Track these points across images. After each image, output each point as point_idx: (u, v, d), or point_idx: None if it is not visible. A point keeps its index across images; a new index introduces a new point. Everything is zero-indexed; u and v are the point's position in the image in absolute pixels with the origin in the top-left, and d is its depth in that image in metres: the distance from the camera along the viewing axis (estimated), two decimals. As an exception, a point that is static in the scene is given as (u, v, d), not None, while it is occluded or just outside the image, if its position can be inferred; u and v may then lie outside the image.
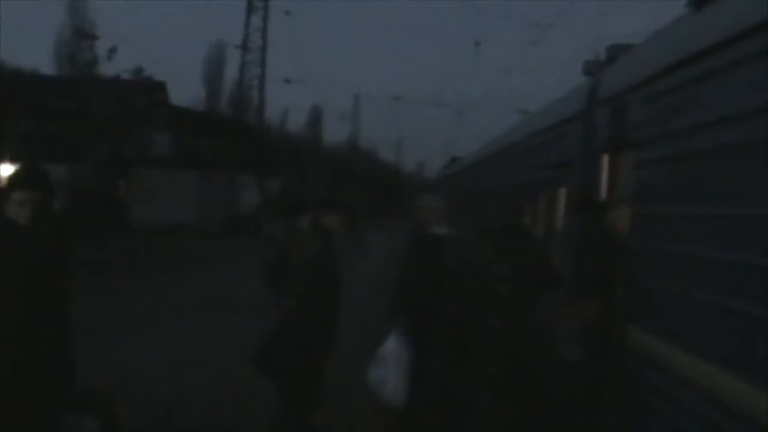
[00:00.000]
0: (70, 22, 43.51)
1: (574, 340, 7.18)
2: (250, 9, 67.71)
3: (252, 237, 36.90)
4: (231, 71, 77.07)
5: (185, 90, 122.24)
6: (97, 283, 18.64)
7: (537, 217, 10.41)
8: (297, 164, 57.31)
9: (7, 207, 5.24)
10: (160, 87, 42.95)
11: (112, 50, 33.97)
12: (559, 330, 7.37)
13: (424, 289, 7.36)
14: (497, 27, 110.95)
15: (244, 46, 67.31)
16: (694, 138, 5.13)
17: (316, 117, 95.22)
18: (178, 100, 50.79)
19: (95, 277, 19.36)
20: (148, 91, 38.28)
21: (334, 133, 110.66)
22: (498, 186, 13.37)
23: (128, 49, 42.98)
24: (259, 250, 7.48)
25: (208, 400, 9.10)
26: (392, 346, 7.29)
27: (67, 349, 5.39)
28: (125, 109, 33.46)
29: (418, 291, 7.51)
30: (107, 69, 35.15)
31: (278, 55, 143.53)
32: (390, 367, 7.25)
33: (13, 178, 5.41)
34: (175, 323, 14.33)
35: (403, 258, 8.05)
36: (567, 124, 9.04)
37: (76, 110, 32.05)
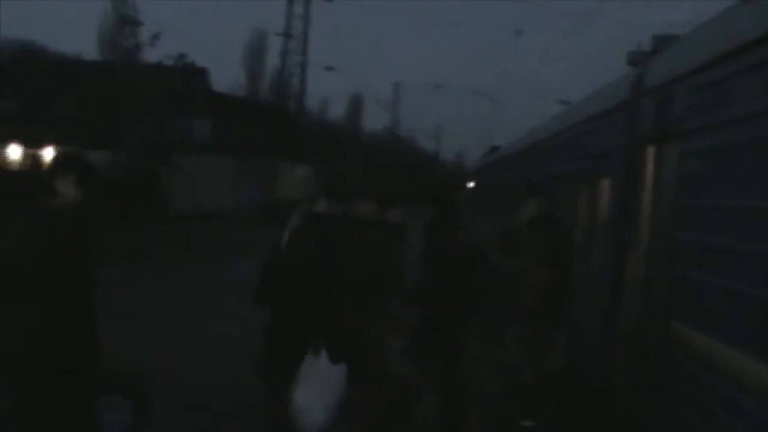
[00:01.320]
0: (114, 9, 43.81)
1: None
2: (292, -4, 67.71)
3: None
4: (272, 58, 77.37)
5: (226, 76, 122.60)
6: (135, 269, 18.75)
7: (577, 207, 10.29)
8: (336, 152, 57.29)
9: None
10: (201, 73, 43.07)
11: (155, 36, 34.12)
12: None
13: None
14: (537, 16, 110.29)
15: (286, 34, 67.25)
16: (741, 129, 5.01)
17: (356, 105, 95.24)
18: (220, 87, 51.01)
19: (133, 263, 19.47)
20: (189, 77, 38.39)
21: (373, 121, 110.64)
22: (538, 177, 13.24)
23: (171, 36, 43.35)
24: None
25: (239, 384, 9.08)
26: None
27: (94, 333, 5.38)
28: (167, 95, 33.57)
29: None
30: (150, 55, 35.32)
31: (319, 43, 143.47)
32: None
33: (50, 164, 5.56)
34: (210, 309, 14.38)
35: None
36: (610, 114, 8.89)
37: (117, 96, 32.24)
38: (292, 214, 6.95)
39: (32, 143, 32.39)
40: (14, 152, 33.00)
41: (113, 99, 32.00)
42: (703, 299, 5.37)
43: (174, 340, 11.45)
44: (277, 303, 6.57)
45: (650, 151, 7.23)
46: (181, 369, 9.83)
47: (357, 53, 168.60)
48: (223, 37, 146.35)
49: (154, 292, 16.12)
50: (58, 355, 5.07)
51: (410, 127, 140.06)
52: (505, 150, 25.22)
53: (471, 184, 43.51)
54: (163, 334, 11.83)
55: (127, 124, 31.81)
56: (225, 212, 38.55)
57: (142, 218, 28.44)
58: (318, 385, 6.22)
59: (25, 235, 5.19)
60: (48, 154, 30.44)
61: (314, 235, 6.66)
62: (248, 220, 38.31)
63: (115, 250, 19.91)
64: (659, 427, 6.11)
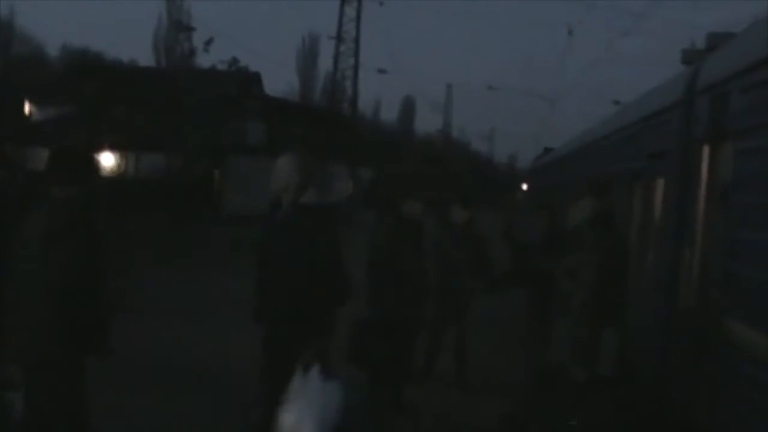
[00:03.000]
0: (168, 15, 44.33)
1: None
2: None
3: (344, 226, 37.02)
4: (325, 62, 77.69)
5: (279, 81, 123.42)
6: (187, 270, 18.91)
7: (632, 207, 10.23)
8: (389, 155, 57.39)
9: None
10: (254, 78, 43.37)
11: (209, 42, 34.34)
12: None
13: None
14: (590, 16, 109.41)
15: (338, 37, 67.56)
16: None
17: (408, 107, 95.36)
18: (273, 91, 51.34)
19: (185, 264, 19.65)
20: (242, 81, 38.66)
21: (426, 123, 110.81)
22: (594, 177, 13.18)
23: (224, 41, 43.47)
24: (350, 241, 7.51)
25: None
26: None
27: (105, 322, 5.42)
28: (220, 99, 33.85)
29: None
30: (203, 60, 35.61)
31: (372, 46, 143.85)
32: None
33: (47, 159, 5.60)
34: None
35: None
36: (665, 113, 8.83)
37: (172, 101, 32.58)
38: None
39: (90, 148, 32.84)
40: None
41: (168, 104, 32.35)
42: (761, 298, 5.32)
43: (226, 338, 11.54)
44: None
45: (706, 150, 7.18)
46: (238, 365, 9.92)
47: (409, 55, 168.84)
48: (275, 42, 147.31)
49: (205, 291, 16.26)
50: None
51: (463, 129, 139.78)
52: (558, 151, 25.10)
53: (524, 186, 43.30)
54: (218, 332, 11.93)
55: (182, 128, 32.13)
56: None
57: (195, 220, 28.71)
58: (309, 407, 5.45)
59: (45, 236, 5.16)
60: (106, 158, 30.91)
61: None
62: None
63: (170, 251, 20.17)
64: (716, 428, 6.06)
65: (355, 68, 67.85)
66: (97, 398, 5.55)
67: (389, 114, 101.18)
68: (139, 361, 9.34)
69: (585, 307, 7.36)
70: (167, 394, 8.51)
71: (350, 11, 67.66)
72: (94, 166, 6.02)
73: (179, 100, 32.30)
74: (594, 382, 7.24)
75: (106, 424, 6.49)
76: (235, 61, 36.26)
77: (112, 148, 30.52)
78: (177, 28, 39.27)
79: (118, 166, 32.68)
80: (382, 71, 66.40)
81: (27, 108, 42.34)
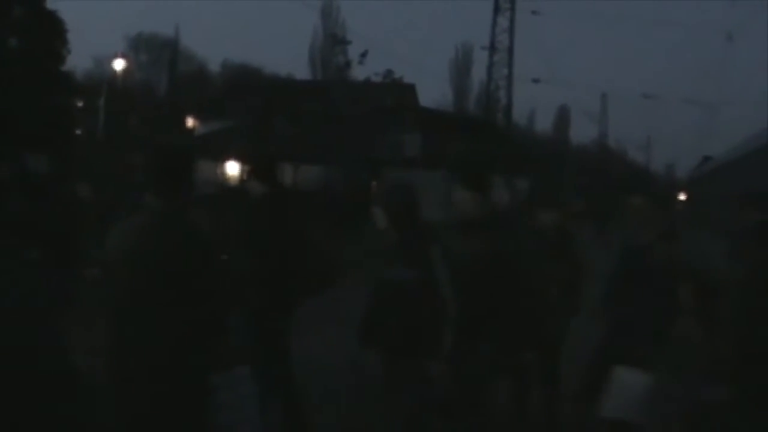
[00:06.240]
0: (324, 28, 45.07)
1: None
2: (497, 10, 67.47)
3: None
4: (478, 72, 77.53)
5: (433, 91, 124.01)
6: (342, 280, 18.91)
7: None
8: (545, 164, 56.62)
9: None
10: (409, 89, 43.52)
11: (364, 54, 34.67)
12: None
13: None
14: (752, 20, 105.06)
15: (491, 47, 67.10)
16: None
17: (563, 117, 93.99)
18: (427, 102, 51.46)
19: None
20: (397, 93, 38.84)
21: (581, 133, 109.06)
22: (754, 186, 12.44)
23: (378, 53, 44.05)
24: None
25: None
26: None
27: None
28: (376, 111, 34.07)
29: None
30: (359, 72, 35.97)
31: (525, 55, 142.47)
32: None
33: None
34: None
35: None
36: None
37: (329, 113, 32.98)
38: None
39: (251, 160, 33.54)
40: (232, 168, 34.36)
41: (325, 116, 32.77)
42: None
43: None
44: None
45: None
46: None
47: (564, 64, 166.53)
48: (429, 53, 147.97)
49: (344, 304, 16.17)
50: None
51: (619, 138, 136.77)
52: (720, 159, 24.06)
53: (682, 196, 41.98)
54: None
55: (339, 140, 32.48)
56: (437, 225, 38.58)
57: (352, 231, 28.91)
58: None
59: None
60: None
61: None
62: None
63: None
64: None
65: (509, 78, 67.27)
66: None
67: (544, 124, 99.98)
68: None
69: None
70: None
71: (503, 21, 67.19)
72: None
73: (336, 113, 32.71)
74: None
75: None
76: (389, 72, 36.47)
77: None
78: (333, 41, 39.86)
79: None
80: (536, 81, 65.72)
81: (191, 123, 43.78)
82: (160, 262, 4.32)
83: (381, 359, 5.53)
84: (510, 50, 67.15)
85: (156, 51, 70.31)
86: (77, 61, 63.07)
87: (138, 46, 70.26)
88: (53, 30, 29.57)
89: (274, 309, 6.42)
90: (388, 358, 5.49)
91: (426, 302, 5.34)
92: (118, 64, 46.30)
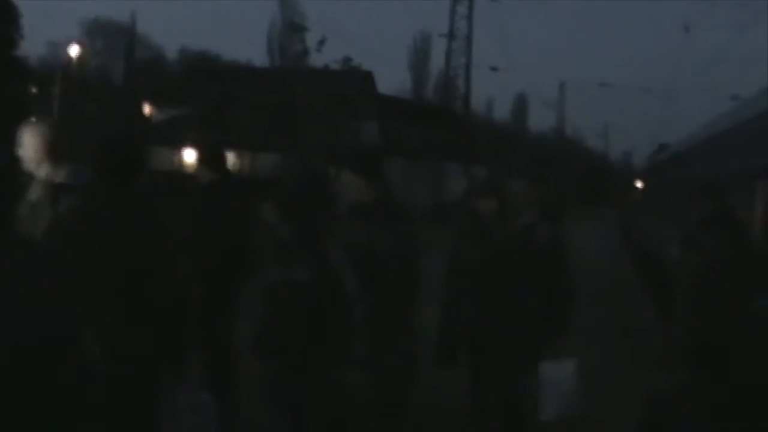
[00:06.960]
0: (282, 15, 44.78)
1: None
2: (455, -3, 67.59)
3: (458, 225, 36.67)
4: (437, 60, 77.46)
5: (392, 79, 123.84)
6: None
7: (753, 208, 9.64)
8: (503, 152, 56.85)
9: None
10: (367, 76, 43.42)
11: (322, 41, 34.56)
12: None
13: None
14: (707, 12, 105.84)
15: (450, 34, 67.24)
16: None
17: (521, 105, 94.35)
18: (385, 89, 51.37)
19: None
20: (356, 80, 38.75)
21: (539, 121, 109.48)
22: (709, 174, 12.58)
23: (337, 40, 43.88)
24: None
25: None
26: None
27: None
28: (334, 99, 33.97)
29: None
30: (317, 60, 35.84)
31: (484, 43, 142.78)
32: None
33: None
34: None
35: None
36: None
37: (287, 101, 32.84)
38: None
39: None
40: (189, 156, 34.18)
41: (284, 104, 32.61)
42: None
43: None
44: None
45: None
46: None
47: (521, 53, 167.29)
48: (387, 41, 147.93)
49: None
50: None
51: (577, 125, 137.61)
52: (676, 147, 24.28)
53: (639, 184, 42.25)
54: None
55: (297, 128, 32.35)
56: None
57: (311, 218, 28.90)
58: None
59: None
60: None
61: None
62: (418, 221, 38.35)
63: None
64: None
65: (467, 66, 67.44)
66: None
67: (502, 112, 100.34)
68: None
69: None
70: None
71: (462, 9, 67.31)
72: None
73: (293, 100, 32.56)
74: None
75: None
76: (348, 60, 36.38)
77: (230, 148, 30.91)
78: (291, 28, 39.65)
79: (234, 164, 33.16)
80: (494, 69, 65.79)
81: (147, 110, 43.37)
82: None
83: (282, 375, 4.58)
84: (468, 38, 67.38)
85: (112, 37, 69.42)
86: (31, 47, 62.28)
87: (94, 32, 69.31)
88: (5, 15, 29.09)
89: (215, 303, 6.35)
90: (290, 373, 4.55)
91: (327, 304, 4.51)
92: (74, 50, 45.72)
